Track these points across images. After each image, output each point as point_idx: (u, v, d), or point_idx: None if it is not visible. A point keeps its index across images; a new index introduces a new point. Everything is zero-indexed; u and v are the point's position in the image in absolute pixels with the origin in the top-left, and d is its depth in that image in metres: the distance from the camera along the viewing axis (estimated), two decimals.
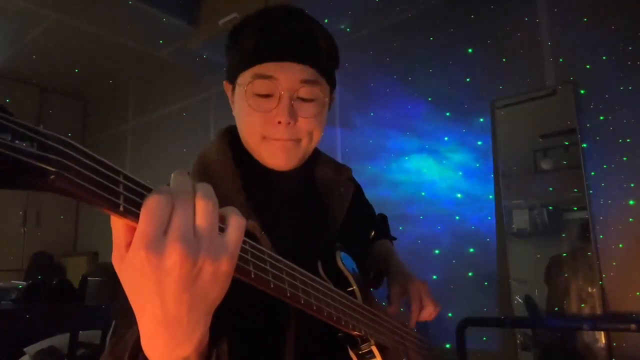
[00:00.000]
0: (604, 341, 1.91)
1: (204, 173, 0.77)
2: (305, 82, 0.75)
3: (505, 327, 2.18)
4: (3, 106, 0.32)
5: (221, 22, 2.83)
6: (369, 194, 1.09)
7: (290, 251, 0.59)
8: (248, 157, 0.82)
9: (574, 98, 2.12)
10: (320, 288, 0.62)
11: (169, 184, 0.42)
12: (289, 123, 0.74)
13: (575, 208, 2.07)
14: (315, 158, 0.90)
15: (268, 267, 0.51)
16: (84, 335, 2.02)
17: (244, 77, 0.77)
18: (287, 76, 0.74)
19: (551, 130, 2.20)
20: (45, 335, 2.06)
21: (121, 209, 0.38)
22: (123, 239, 0.42)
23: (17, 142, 0.32)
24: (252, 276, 0.48)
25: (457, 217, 2.42)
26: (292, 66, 0.75)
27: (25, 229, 4.42)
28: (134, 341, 0.49)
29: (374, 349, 0.75)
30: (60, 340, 2.02)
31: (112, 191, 0.37)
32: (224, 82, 0.87)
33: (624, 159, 1.98)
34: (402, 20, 2.76)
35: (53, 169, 0.33)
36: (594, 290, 1.95)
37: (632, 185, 1.95)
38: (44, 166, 0.33)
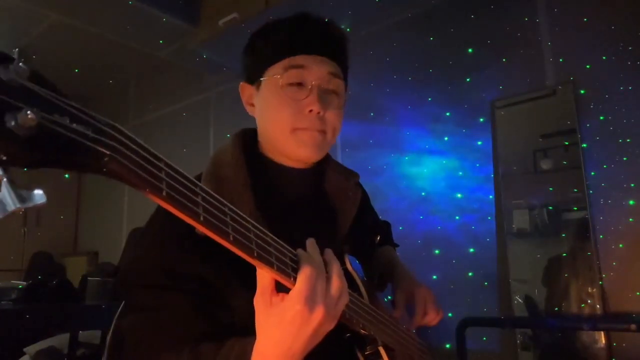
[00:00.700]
0: (604, 341, 1.91)
1: (216, 174, 0.78)
2: (333, 74, 0.81)
3: (505, 327, 2.18)
4: (60, 90, 0.34)
5: (221, 22, 2.83)
6: (369, 193, 1.10)
7: None
8: (261, 159, 0.85)
9: (574, 98, 2.12)
10: None
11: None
12: (319, 112, 0.79)
13: (575, 208, 2.07)
14: (326, 161, 0.92)
15: (288, 261, 0.56)
16: (84, 335, 2.02)
17: (275, 70, 0.81)
18: (318, 67, 0.80)
19: (551, 130, 2.20)
20: (45, 335, 2.06)
21: (164, 194, 0.40)
22: (269, 286, 0.55)
23: (74, 124, 0.34)
24: (275, 268, 0.53)
25: (457, 217, 2.42)
26: (321, 59, 0.81)
27: (25, 229, 4.42)
28: None
29: (381, 350, 0.76)
30: (60, 340, 2.02)
31: (156, 177, 0.40)
32: (241, 84, 0.89)
33: (624, 159, 1.98)
34: (402, 20, 2.76)
35: (107, 152, 0.35)
36: (594, 290, 1.95)
37: (632, 185, 1.95)
38: (99, 148, 0.35)
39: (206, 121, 3.75)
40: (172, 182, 0.41)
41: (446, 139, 2.52)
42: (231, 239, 0.47)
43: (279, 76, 0.79)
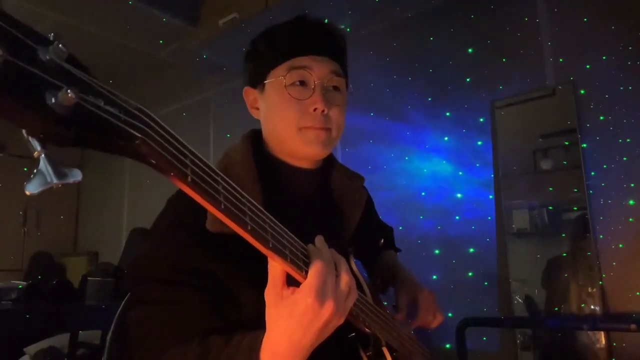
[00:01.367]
0: (604, 341, 1.91)
1: (226, 172, 0.79)
2: (334, 73, 0.84)
3: (505, 327, 2.18)
4: (92, 74, 0.35)
5: (221, 22, 2.82)
6: (369, 193, 1.10)
7: None
8: (270, 159, 0.86)
9: (574, 98, 2.12)
10: None
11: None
12: (323, 110, 0.81)
13: (576, 208, 2.07)
14: (331, 163, 0.95)
15: (300, 255, 0.57)
16: (84, 335, 2.01)
17: (278, 71, 0.83)
18: (320, 67, 0.82)
19: (551, 130, 2.20)
20: (45, 335, 2.05)
21: (189, 179, 0.41)
22: (280, 279, 0.56)
23: (108, 106, 0.35)
24: (288, 260, 0.54)
25: (457, 217, 2.42)
26: (323, 59, 0.83)
27: (25, 229, 4.42)
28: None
29: (385, 350, 0.76)
30: (60, 340, 2.02)
31: (182, 162, 0.41)
32: (245, 89, 0.91)
33: (624, 159, 1.98)
34: (402, 20, 2.76)
35: (139, 135, 0.37)
36: (594, 290, 1.95)
37: (632, 185, 1.94)
38: (131, 131, 0.36)
39: (206, 121, 3.75)
40: (196, 169, 0.42)
41: (446, 139, 2.52)
42: (249, 228, 0.48)
43: (282, 77, 0.81)
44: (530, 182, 2.24)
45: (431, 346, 0.97)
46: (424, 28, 2.67)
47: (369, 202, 1.07)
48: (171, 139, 0.41)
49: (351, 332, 0.75)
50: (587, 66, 2.11)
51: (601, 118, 2.05)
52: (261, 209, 0.52)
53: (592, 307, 1.95)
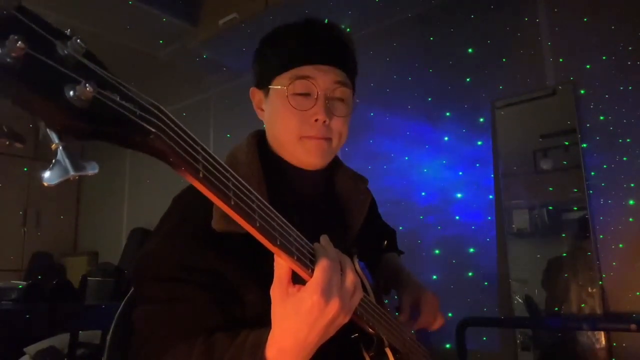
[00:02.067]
0: (604, 341, 1.91)
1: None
2: (339, 83, 0.83)
3: (505, 327, 2.18)
4: (108, 69, 0.36)
5: (221, 22, 2.82)
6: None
7: None
8: (275, 160, 0.86)
9: (574, 98, 2.12)
10: None
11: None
12: (325, 121, 0.81)
13: (576, 208, 2.07)
14: (336, 165, 0.96)
15: (306, 253, 0.57)
16: (84, 335, 2.01)
17: (282, 79, 0.82)
18: (324, 77, 0.82)
19: (551, 130, 2.20)
20: (45, 335, 2.05)
21: (201, 175, 0.42)
22: (286, 277, 0.56)
23: (124, 101, 0.36)
24: (295, 258, 0.54)
25: (457, 217, 2.42)
26: (328, 69, 0.82)
27: (25, 229, 4.42)
28: (260, 356, 0.59)
29: (388, 351, 0.76)
30: (60, 340, 2.02)
31: (195, 158, 0.42)
32: (251, 89, 0.91)
33: (624, 159, 1.98)
34: (402, 20, 2.76)
35: (153, 130, 0.38)
36: (594, 290, 1.95)
37: (632, 185, 1.94)
38: (145, 126, 0.37)
39: (206, 121, 3.76)
40: (208, 165, 0.43)
41: (446, 139, 2.52)
42: (257, 225, 0.48)
43: (285, 87, 0.81)
44: (530, 182, 2.24)
45: (431, 346, 0.98)
46: (424, 28, 2.67)
47: (373, 204, 1.08)
48: (184, 135, 0.42)
49: (354, 332, 0.75)
50: (587, 66, 2.11)
51: (601, 118, 2.05)
52: (269, 206, 0.52)
53: (592, 307, 1.95)
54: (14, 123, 0.33)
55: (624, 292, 1.91)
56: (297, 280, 0.57)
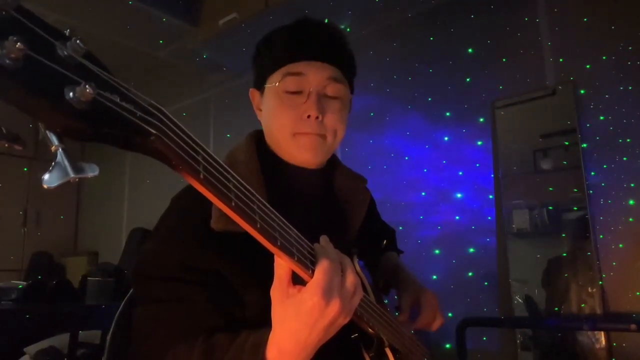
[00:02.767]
0: (604, 341, 1.91)
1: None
2: (332, 79, 0.83)
3: (505, 327, 2.18)
4: (108, 68, 0.36)
5: (221, 22, 2.82)
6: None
7: None
8: (273, 159, 0.86)
9: (574, 98, 2.12)
10: None
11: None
12: (317, 117, 0.80)
13: (576, 208, 2.07)
14: (335, 164, 0.96)
15: (307, 254, 0.58)
16: (84, 335, 2.01)
17: (275, 77, 0.83)
18: (316, 73, 0.81)
19: (551, 130, 2.20)
20: (45, 335, 2.05)
21: (201, 176, 0.42)
22: (286, 276, 0.56)
23: (124, 103, 0.36)
24: (295, 259, 0.54)
25: (457, 217, 2.42)
26: (320, 65, 0.82)
27: (25, 229, 4.42)
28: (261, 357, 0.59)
29: (388, 351, 0.76)
30: (60, 340, 2.02)
31: (195, 159, 0.42)
32: (250, 90, 0.92)
33: (624, 159, 1.98)
34: (402, 20, 2.76)
35: (154, 131, 0.37)
36: (594, 290, 1.95)
37: (632, 185, 1.94)
38: (146, 127, 0.37)
39: (206, 121, 3.76)
40: (208, 167, 0.43)
41: (446, 139, 2.52)
42: (258, 226, 0.48)
43: (276, 84, 0.82)
44: (530, 182, 2.24)
45: (431, 346, 0.98)
46: (424, 28, 2.67)
47: (372, 204, 1.07)
48: (184, 136, 0.41)
49: (354, 332, 0.75)
50: (587, 66, 2.11)
51: (601, 118, 2.05)
52: (270, 207, 0.52)
53: (592, 307, 1.95)
54: (13, 123, 0.33)
55: (624, 292, 1.90)
56: (297, 280, 0.57)
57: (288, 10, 2.52)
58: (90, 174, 0.34)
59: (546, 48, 2.23)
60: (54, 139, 0.33)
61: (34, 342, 2.04)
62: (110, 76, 0.36)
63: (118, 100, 0.35)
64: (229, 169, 0.47)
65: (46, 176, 0.33)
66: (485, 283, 2.28)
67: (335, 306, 0.55)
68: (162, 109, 0.40)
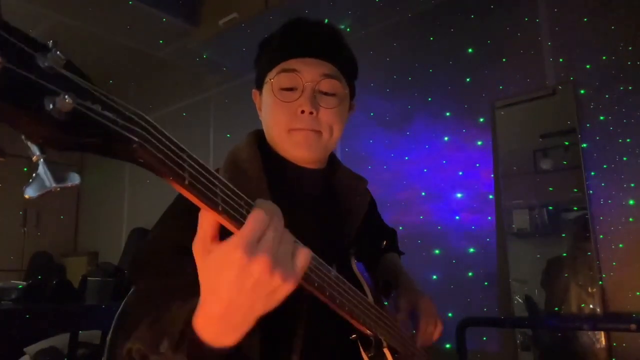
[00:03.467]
0: (604, 341, 1.91)
1: (232, 171, 0.81)
2: (326, 75, 0.83)
3: (505, 327, 2.18)
4: (90, 78, 0.36)
5: (221, 22, 2.82)
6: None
7: None
8: (274, 157, 0.87)
9: (574, 98, 2.12)
10: (341, 285, 0.65)
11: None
12: (311, 112, 0.81)
13: (575, 208, 2.07)
14: (335, 165, 0.96)
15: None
16: (84, 335, 2.01)
17: (270, 75, 0.84)
18: (309, 69, 0.82)
19: (551, 130, 2.20)
20: (45, 335, 2.06)
21: (186, 182, 0.42)
22: (210, 231, 0.49)
23: (105, 111, 0.36)
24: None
25: (457, 217, 2.42)
26: (314, 61, 0.83)
27: (25, 229, 4.42)
28: (185, 318, 0.53)
29: (387, 351, 0.76)
30: (60, 340, 2.02)
31: (180, 165, 0.41)
32: (253, 92, 0.93)
33: (624, 159, 1.98)
34: (402, 20, 2.76)
35: (136, 139, 0.37)
36: (594, 290, 1.95)
37: (632, 185, 1.95)
38: (128, 135, 0.37)
39: (206, 121, 3.75)
40: (194, 172, 0.43)
41: (446, 139, 2.52)
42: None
43: (271, 80, 0.83)
44: (530, 182, 2.24)
45: (431, 346, 0.97)
46: (424, 28, 2.67)
47: (372, 204, 1.08)
48: (168, 143, 0.41)
49: (352, 333, 0.75)
50: (587, 66, 2.11)
51: (601, 118, 2.05)
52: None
53: (592, 307, 1.95)
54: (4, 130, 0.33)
55: (624, 292, 1.91)
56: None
57: (288, 10, 2.52)
58: (70, 184, 0.35)
59: (546, 48, 2.24)
60: (35, 150, 0.33)
61: (34, 342, 2.04)
62: (92, 85, 0.36)
63: (99, 109, 0.35)
64: (217, 174, 0.46)
65: (27, 187, 0.33)
66: (485, 283, 2.28)
67: (260, 263, 0.46)
68: (145, 116, 0.40)
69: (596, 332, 1.91)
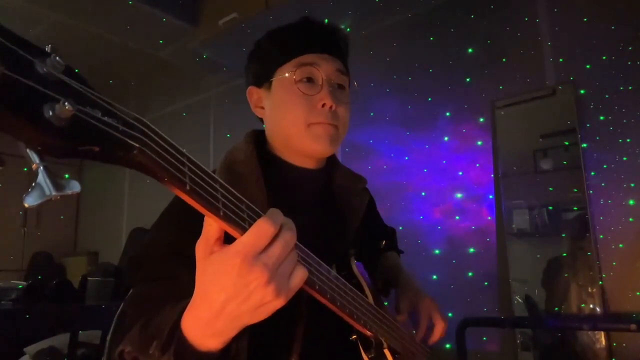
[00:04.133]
0: (604, 341, 1.91)
1: (229, 172, 0.81)
2: (340, 71, 0.86)
3: (505, 327, 2.18)
4: (89, 83, 0.36)
5: (221, 22, 2.82)
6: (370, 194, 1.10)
7: None
8: (273, 158, 0.87)
9: (574, 98, 2.12)
10: (341, 286, 0.64)
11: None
12: (331, 106, 0.81)
13: (576, 208, 2.07)
14: (334, 164, 0.96)
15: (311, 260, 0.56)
16: (84, 335, 2.02)
17: (287, 68, 0.84)
18: (327, 64, 0.84)
19: (551, 130, 2.20)
20: (45, 335, 2.06)
21: (188, 188, 0.41)
22: (214, 234, 0.48)
23: (105, 117, 0.35)
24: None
25: (457, 217, 2.42)
26: (329, 57, 0.85)
27: (25, 229, 4.42)
28: (174, 320, 0.53)
29: (387, 352, 0.76)
30: (60, 340, 2.02)
31: (181, 171, 0.41)
32: (248, 89, 0.91)
33: (624, 159, 1.98)
34: (402, 20, 2.76)
35: (137, 145, 0.37)
36: (594, 290, 1.95)
37: (632, 185, 1.95)
38: (128, 141, 0.37)
39: (206, 121, 3.75)
40: (195, 177, 0.43)
41: (446, 139, 2.52)
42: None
43: (292, 73, 0.82)
44: (530, 182, 2.24)
45: (431, 346, 0.97)
46: (424, 28, 2.67)
47: (371, 204, 1.07)
48: (169, 148, 0.41)
49: (352, 334, 0.75)
50: (587, 66, 2.11)
51: (601, 118, 2.05)
52: (261, 213, 0.50)
53: (592, 307, 1.95)
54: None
55: (624, 292, 1.91)
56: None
57: (288, 10, 2.52)
58: (69, 192, 0.34)
59: (546, 48, 2.24)
60: (34, 157, 0.33)
61: (34, 342, 2.04)
62: (91, 91, 0.35)
63: (99, 115, 0.35)
64: (218, 179, 0.46)
65: (27, 196, 0.33)
66: (485, 283, 2.28)
67: (258, 274, 0.45)
68: (146, 121, 0.39)
69: (596, 332, 1.91)
